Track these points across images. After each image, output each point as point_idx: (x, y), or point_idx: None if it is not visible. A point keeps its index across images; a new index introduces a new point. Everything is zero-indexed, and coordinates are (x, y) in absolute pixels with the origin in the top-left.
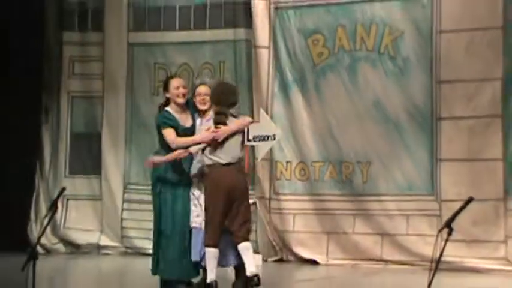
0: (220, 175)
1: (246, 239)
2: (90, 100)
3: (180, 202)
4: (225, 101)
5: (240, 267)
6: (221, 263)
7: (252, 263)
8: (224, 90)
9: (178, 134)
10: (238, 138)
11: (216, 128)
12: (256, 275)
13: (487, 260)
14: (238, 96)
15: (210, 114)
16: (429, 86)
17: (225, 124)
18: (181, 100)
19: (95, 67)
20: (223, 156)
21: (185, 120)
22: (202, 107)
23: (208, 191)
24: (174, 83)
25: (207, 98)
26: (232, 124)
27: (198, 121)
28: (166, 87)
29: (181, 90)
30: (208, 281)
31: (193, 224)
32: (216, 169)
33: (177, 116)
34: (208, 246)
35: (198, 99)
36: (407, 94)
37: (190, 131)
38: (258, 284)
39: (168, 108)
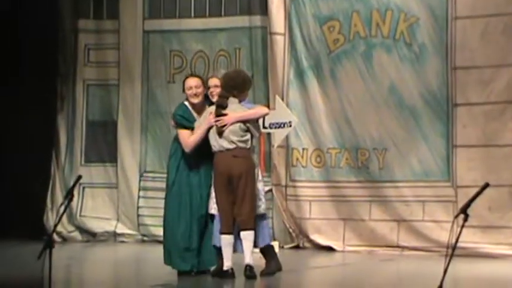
0: (217, 161)
1: (246, 228)
2: (105, 88)
3: (194, 192)
4: (224, 85)
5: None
6: (238, 249)
7: (248, 254)
8: (224, 76)
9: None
10: (236, 124)
11: (217, 113)
12: (249, 266)
13: (502, 246)
14: (241, 82)
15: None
16: (444, 72)
17: (225, 106)
18: (194, 100)
19: (110, 55)
20: (216, 143)
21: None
22: (212, 99)
23: (213, 178)
24: (188, 83)
25: (217, 90)
26: (237, 113)
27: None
28: (183, 87)
29: (194, 91)
30: (224, 268)
31: (211, 211)
32: (216, 156)
33: (193, 111)
34: (222, 234)
35: (208, 91)
36: (423, 80)
37: None
38: (252, 275)
39: (186, 102)
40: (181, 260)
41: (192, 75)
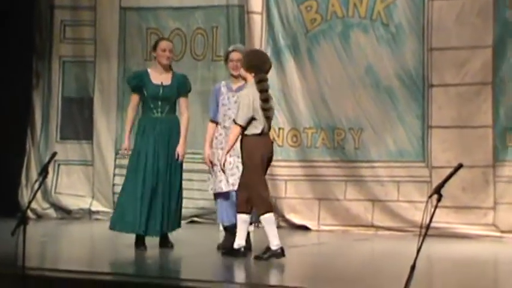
0: (263, 142)
1: (261, 213)
2: (82, 65)
3: (145, 164)
4: (266, 68)
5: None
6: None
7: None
8: (263, 57)
9: (146, 92)
10: None
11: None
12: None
13: (475, 226)
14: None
15: (240, 83)
16: (421, 53)
17: (268, 90)
18: (165, 61)
19: (86, 31)
20: (265, 126)
21: (161, 79)
22: (234, 72)
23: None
24: (163, 45)
25: (239, 64)
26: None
27: (223, 90)
28: (155, 47)
29: (168, 54)
30: (235, 246)
31: (218, 190)
32: (260, 137)
33: (155, 74)
34: (243, 213)
35: (230, 65)
36: (399, 61)
37: (161, 89)
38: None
39: (148, 69)
40: (127, 224)
41: (165, 39)
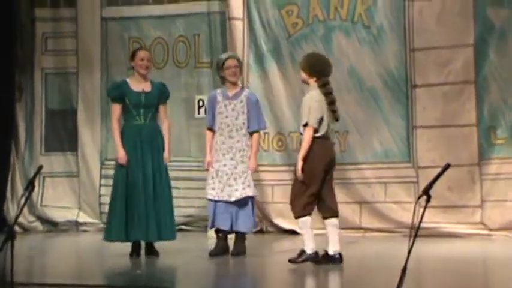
0: (325, 146)
1: (295, 216)
2: (64, 76)
3: (132, 173)
4: (329, 71)
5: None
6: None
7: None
8: (325, 61)
9: (128, 100)
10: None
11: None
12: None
13: (463, 225)
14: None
15: (236, 90)
16: (403, 54)
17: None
18: (144, 71)
19: (68, 43)
20: (329, 129)
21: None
22: (233, 79)
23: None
24: (141, 54)
25: (237, 70)
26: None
27: (219, 99)
28: (133, 57)
29: (146, 63)
30: (309, 251)
31: (208, 196)
32: (323, 141)
33: (134, 83)
34: (307, 215)
35: (228, 72)
36: (382, 62)
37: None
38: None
39: (127, 79)
40: (120, 233)
41: (142, 48)
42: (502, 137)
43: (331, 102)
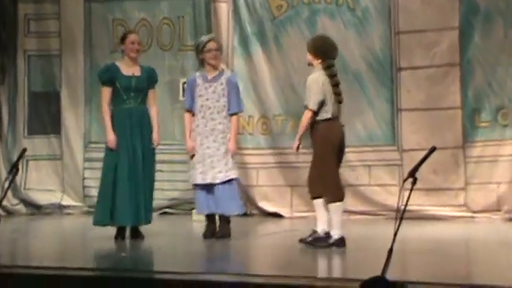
0: (333, 127)
1: (313, 197)
2: (47, 59)
3: (122, 156)
4: (335, 54)
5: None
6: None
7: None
8: (331, 43)
9: (119, 83)
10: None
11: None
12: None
13: (447, 208)
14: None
15: (216, 73)
16: (388, 37)
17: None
18: (134, 54)
19: (51, 25)
20: (335, 110)
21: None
22: (213, 62)
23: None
24: (132, 37)
25: (218, 53)
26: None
27: (198, 82)
28: (123, 40)
29: (136, 46)
30: (320, 232)
31: (197, 181)
32: (330, 123)
33: (124, 67)
34: (339, 201)
35: (209, 55)
36: (367, 45)
37: (134, 79)
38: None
39: (117, 62)
40: (112, 217)
41: (133, 31)
42: (486, 120)
43: (335, 85)
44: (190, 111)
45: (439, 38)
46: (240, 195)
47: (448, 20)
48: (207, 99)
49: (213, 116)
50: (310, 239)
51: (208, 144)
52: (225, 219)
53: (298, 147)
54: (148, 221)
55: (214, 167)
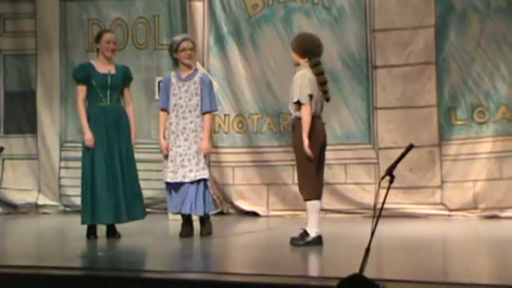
0: (318, 126)
1: (304, 199)
2: (23, 58)
3: (99, 155)
4: (320, 51)
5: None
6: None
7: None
8: (316, 41)
9: (95, 81)
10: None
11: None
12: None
13: (423, 206)
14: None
15: (190, 72)
16: (364, 35)
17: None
18: (109, 54)
19: (27, 24)
20: (320, 108)
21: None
22: (187, 62)
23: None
24: (107, 37)
25: (192, 52)
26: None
27: (173, 81)
28: (98, 39)
29: (112, 46)
30: (313, 234)
31: (167, 179)
32: (315, 121)
33: (99, 66)
34: (316, 199)
35: (183, 54)
36: (343, 44)
37: (109, 78)
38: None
39: (92, 61)
40: (99, 215)
41: (108, 30)
42: (462, 118)
43: (323, 83)
44: (165, 110)
45: (415, 36)
46: (210, 196)
47: (424, 18)
48: (180, 98)
49: (185, 115)
50: (302, 242)
51: (180, 143)
52: (206, 218)
53: (301, 151)
54: (141, 215)
55: (184, 166)
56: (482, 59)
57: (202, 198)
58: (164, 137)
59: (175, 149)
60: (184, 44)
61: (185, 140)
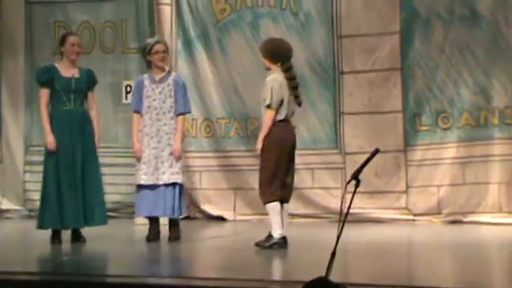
0: (285, 129)
1: (263, 202)
2: None
3: (62, 159)
4: (291, 55)
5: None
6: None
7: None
8: (286, 45)
9: (58, 84)
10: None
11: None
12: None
13: (389, 210)
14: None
15: (163, 74)
16: (330, 41)
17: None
18: (73, 57)
19: None
20: (290, 112)
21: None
22: (160, 64)
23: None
24: (72, 40)
25: (166, 55)
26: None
27: (146, 83)
28: (62, 42)
29: (76, 49)
30: (277, 236)
31: (141, 182)
32: (283, 124)
33: (64, 69)
34: (275, 201)
35: (157, 56)
36: (310, 49)
37: (73, 81)
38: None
39: (56, 64)
40: (55, 220)
41: (72, 33)
42: (427, 124)
43: (294, 87)
44: (138, 112)
45: (381, 42)
46: (185, 200)
47: (390, 24)
48: (154, 100)
49: (159, 117)
50: (267, 244)
51: (154, 145)
52: (175, 222)
53: (263, 151)
54: (103, 221)
55: (158, 168)
56: (446, 66)
57: (178, 201)
58: (138, 140)
59: (149, 151)
60: (157, 47)
61: (158, 142)
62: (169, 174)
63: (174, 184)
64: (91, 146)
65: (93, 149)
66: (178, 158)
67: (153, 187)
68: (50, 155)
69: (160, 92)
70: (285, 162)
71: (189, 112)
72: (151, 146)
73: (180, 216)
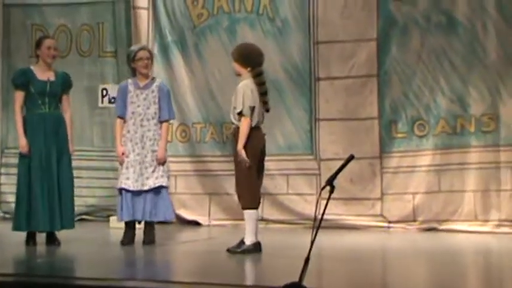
0: (257, 136)
1: (242, 207)
2: None
3: (35, 162)
4: (262, 60)
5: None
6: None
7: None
8: (257, 51)
9: (33, 87)
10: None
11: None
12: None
13: (364, 217)
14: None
15: (147, 81)
16: (307, 47)
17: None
18: (49, 60)
19: None
20: (260, 118)
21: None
22: (144, 71)
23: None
24: (48, 42)
25: (149, 62)
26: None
27: (130, 88)
28: (38, 45)
29: (52, 52)
30: (249, 243)
31: (122, 185)
32: (255, 130)
33: (39, 72)
34: (254, 209)
35: (140, 63)
36: (286, 55)
37: (48, 84)
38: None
39: (31, 67)
40: (31, 222)
41: (48, 36)
42: (403, 131)
43: (264, 93)
44: (122, 117)
45: (357, 49)
46: (171, 203)
47: (366, 31)
48: (138, 106)
49: (143, 123)
50: (239, 249)
51: (138, 151)
52: (151, 226)
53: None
54: (70, 225)
55: (142, 174)
56: (423, 73)
57: (164, 204)
58: (121, 144)
59: (134, 157)
60: (141, 54)
61: (142, 148)
62: (154, 178)
63: (159, 187)
64: (64, 150)
65: (67, 152)
66: (162, 165)
67: (138, 193)
68: (24, 158)
69: (144, 98)
70: (255, 169)
71: (174, 118)
72: (136, 151)
73: (172, 219)
